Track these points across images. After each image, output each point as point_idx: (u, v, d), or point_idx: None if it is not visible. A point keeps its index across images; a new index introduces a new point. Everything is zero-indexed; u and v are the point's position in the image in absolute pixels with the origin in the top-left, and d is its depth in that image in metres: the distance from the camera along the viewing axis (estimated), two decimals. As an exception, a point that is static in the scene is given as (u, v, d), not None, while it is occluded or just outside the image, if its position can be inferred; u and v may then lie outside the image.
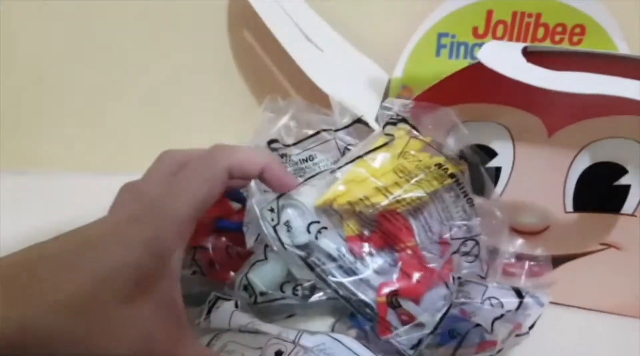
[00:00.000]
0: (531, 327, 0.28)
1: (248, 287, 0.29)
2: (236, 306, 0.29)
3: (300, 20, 0.40)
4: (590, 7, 0.37)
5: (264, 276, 0.29)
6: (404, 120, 0.29)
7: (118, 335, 0.18)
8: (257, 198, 0.28)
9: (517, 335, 0.28)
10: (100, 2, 0.44)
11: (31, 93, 0.48)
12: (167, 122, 0.50)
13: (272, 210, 0.27)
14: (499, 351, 0.27)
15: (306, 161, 0.33)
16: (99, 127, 0.50)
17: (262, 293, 0.29)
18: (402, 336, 0.27)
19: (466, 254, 0.30)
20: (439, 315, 0.27)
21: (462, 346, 0.27)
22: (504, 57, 0.27)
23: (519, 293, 0.28)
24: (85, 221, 0.44)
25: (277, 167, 0.25)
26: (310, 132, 0.33)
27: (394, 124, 0.30)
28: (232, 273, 0.31)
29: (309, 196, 0.27)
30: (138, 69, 0.47)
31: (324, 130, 0.33)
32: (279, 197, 0.27)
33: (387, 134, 0.30)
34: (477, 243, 0.30)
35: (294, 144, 0.33)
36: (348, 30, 0.44)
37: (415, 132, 0.29)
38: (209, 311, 0.29)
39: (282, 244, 0.27)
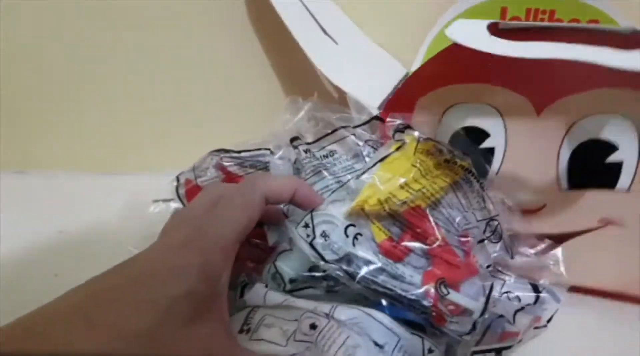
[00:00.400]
0: (549, 321, 0.30)
1: (277, 275, 0.29)
2: (266, 286, 0.30)
3: (317, 12, 0.41)
4: (604, 4, 0.37)
5: (291, 263, 0.29)
6: (409, 126, 0.33)
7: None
8: (290, 219, 0.30)
9: (536, 328, 0.29)
10: (101, 2, 0.43)
11: (31, 93, 0.48)
12: (167, 122, 0.50)
13: (306, 226, 0.29)
14: (519, 341, 0.28)
15: (327, 157, 0.35)
16: (99, 128, 0.50)
17: (291, 280, 0.29)
18: (458, 323, 0.28)
19: (492, 234, 0.32)
20: (483, 299, 0.28)
21: (486, 336, 0.28)
22: (470, 32, 0.29)
23: (535, 288, 0.30)
24: (85, 221, 0.44)
25: (306, 189, 0.28)
26: (329, 130, 0.36)
27: (402, 131, 0.33)
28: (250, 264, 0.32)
29: (337, 207, 0.29)
30: (138, 69, 0.47)
31: (343, 127, 0.35)
32: (310, 212, 0.29)
33: (398, 140, 0.33)
34: (499, 223, 0.32)
35: (313, 142, 0.35)
36: (365, 29, 0.44)
37: (421, 135, 0.33)
38: (242, 293, 0.30)
39: (323, 258, 0.28)
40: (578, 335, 0.32)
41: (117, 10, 0.44)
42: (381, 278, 0.28)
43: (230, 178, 0.37)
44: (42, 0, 0.43)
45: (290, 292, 0.29)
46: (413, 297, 0.27)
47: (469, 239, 0.31)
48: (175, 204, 0.38)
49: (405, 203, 0.29)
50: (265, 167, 0.37)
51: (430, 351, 0.27)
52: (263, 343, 0.26)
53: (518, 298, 0.30)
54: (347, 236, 0.28)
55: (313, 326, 0.26)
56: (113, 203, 0.45)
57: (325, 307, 0.28)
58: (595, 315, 0.34)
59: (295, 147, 0.35)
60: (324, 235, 0.28)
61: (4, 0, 0.43)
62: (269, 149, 0.37)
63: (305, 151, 0.35)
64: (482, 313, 0.28)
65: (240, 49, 0.46)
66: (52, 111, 0.49)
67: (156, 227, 0.26)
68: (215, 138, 0.46)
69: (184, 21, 0.45)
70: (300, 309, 0.28)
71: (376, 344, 0.26)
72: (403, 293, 0.27)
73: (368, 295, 0.28)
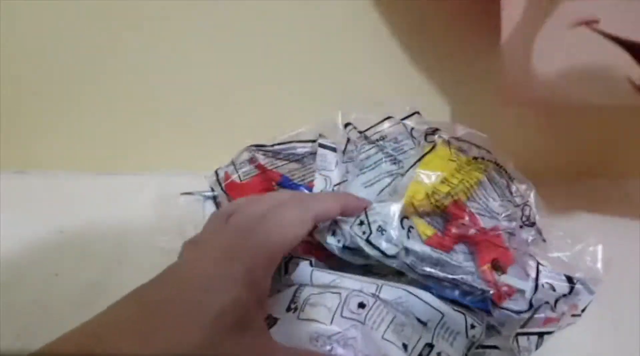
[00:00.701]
0: (583, 310, 0.31)
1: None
2: (311, 265, 0.31)
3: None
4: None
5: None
6: (437, 129, 0.37)
7: None
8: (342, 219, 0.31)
9: (573, 315, 0.31)
10: (101, 2, 0.43)
11: (31, 93, 0.48)
12: (167, 122, 0.49)
13: (361, 223, 0.30)
14: (558, 328, 0.30)
15: (379, 140, 0.38)
16: (99, 128, 0.50)
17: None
18: (516, 301, 0.30)
19: (527, 219, 0.35)
20: (532, 278, 0.31)
21: (532, 320, 0.30)
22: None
23: (570, 280, 0.32)
24: (85, 221, 0.44)
25: (352, 202, 0.30)
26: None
27: (432, 133, 0.37)
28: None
29: (386, 205, 0.31)
30: (139, 69, 0.47)
31: (388, 118, 0.39)
32: (364, 210, 0.31)
33: (430, 142, 0.36)
34: (531, 208, 0.35)
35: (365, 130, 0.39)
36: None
37: (451, 138, 0.36)
38: (287, 270, 0.32)
39: (384, 253, 0.29)
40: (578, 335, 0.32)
41: (117, 10, 0.44)
42: (438, 268, 0.30)
43: (263, 171, 0.39)
44: (42, 0, 0.43)
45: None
46: (472, 283, 0.29)
47: (509, 224, 0.33)
48: (204, 198, 0.40)
49: (449, 194, 0.32)
50: (298, 159, 0.39)
51: (472, 327, 0.29)
52: (312, 323, 0.27)
53: (553, 288, 0.31)
54: (402, 227, 0.30)
55: (362, 305, 0.27)
56: (113, 203, 0.46)
57: (371, 287, 0.29)
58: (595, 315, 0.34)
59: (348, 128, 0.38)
60: (380, 229, 0.30)
61: (4, 0, 0.43)
62: (301, 141, 0.40)
63: (360, 133, 0.38)
64: (534, 292, 0.30)
65: (241, 50, 0.46)
66: (52, 111, 0.49)
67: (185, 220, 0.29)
68: (215, 138, 0.46)
69: (184, 21, 0.45)
70: (347, 289, 0.29)
71: (420, 321, 0.28)
72: (462, 280, 0.30)
73: (425, 282, 0.30)
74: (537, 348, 0.29)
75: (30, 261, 0.38)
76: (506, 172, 0.37)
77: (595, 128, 0.48)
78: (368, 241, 0.29)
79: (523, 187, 0.37)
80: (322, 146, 0.38)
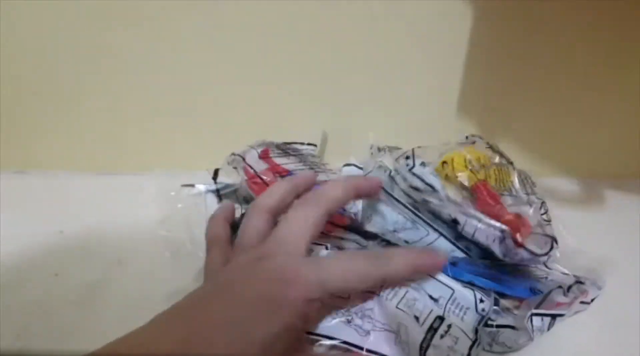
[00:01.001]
0: (592, 300, 0.31)
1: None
2: (326, 249, 0.32)
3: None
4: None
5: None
6: (479, 136, 0.43)
7: None
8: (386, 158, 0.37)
9: (582, 302, 0.31)
10: (101, 2, 0.43)
11: (31, 93, 0.48)
12: (167, 122, 0.50)
13: (407, 157, 0.36)
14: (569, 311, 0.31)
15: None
16: (99, 128, 0.50)
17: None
18: (537, 244, 0.32)
19: (545, 213, 0.36)
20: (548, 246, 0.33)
21: (545, 301, 0.31)
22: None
23: (579, 280, 0.33)
24: (85, 220, 0.44)
25: (362, 184, 0.30)
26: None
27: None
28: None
29: (427, 150, 0.38)
30: (139, 69, 0.47)
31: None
32: (412, 149, 0.37)
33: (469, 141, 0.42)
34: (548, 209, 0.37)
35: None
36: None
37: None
38: None
39: (424, 181, 0.34)
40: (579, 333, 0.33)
41: (118, 11, 0.44)
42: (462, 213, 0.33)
43: (273, 167, 0.39)
44: (42, 0, 0.43)
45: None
46: (493, 224, 0.33)
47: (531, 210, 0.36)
48: (204, 188, 0.41)
49: (484, 166, 0.37)
50: (304, 160, 0.41)
51: (481, 301, 0.30)
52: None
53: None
54: (443, 167, 0.38)
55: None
56: (113, 203, 0.46)
57: None
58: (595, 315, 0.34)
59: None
60: (423, 164, 0.35)
61: (4, 0, 0.43)
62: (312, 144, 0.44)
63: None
64: (550, 250, 0.33)
65: (241, 50, 0.46)
66: (52, 111, 0.49)
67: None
68: (215, 138, 0.46)
69: (184, 21, 0.45)
70: None
71: (431, 297, 0.29)
72: (484, 220, 0.33)
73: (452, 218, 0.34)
74: (549, 328, 0.29)
75: (30, 261, 0.38)
76: (530, 180, 0.40)
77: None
78: (411, 171, 0.34)
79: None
80: (347, 165, 0.41)
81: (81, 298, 0.35)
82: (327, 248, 0.32)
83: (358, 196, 0.30)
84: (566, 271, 0.34)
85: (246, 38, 0.46)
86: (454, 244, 0.35)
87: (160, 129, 0.50)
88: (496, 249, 0.33)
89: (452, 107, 0.48)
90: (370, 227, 0.36)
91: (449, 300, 0.30)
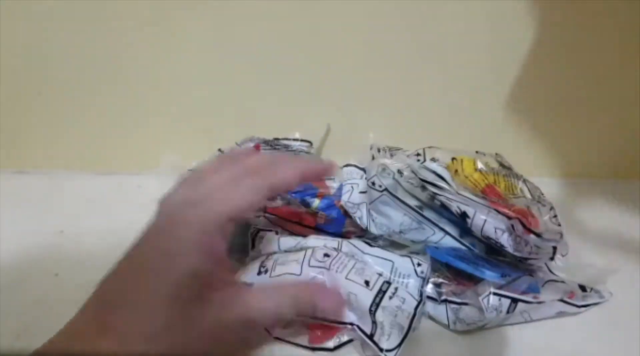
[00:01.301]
0: (585, 306, 0.33)
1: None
2: (276, 234, 0.34)
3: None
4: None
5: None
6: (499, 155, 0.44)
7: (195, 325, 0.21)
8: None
9: (566, 302, 0.32)
10: (101, 2, 0.43)
11: (31, 93, 0.48)
12: (167, 122, 0.50)
13: (418, 154, 0.39)
14: (539, 302, 0.32)
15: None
16: (99, 128, 0.50)
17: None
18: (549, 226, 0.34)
19: (555, 216, 0.37)
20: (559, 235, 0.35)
21: (511, 285, 0.32)
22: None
23: (582, 288, 0.34)
24: (85, 221, 0.44)
25: (313, 167, 0.27)
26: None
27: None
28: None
29: (438, 150, 0.40)
30: (139, 69, 0.47)
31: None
32: (423, 148, 0.40)
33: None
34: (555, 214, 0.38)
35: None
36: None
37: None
38: (253, 244, 0.35)
39: (435, 173, 0.36)
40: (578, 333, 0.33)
41: (118, 11, 0.44)
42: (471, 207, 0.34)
43: None
44: (42, 0, 0.43)
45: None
46: (502, 210, 0.34)
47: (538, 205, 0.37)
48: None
49: (493, 169, 0.39)
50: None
51: (419, 264, 0.33)
52: (284, 277, 0.30)
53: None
54: (454, 162, 0.39)
55: (326, 255, 0.32)
56: (113, 202, 0.46)
57: (333, 243, 0.34)
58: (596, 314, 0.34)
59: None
60: (433, 160, 0.38)
61: (4, 0, 0.43)
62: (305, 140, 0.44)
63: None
64: (559, 241, 0.34)
65: (241, 51, 0.46)
66: (52, 111, 0.49)
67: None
68: (215, 138, 0.46)
69: (185, 22, 0.45)
70: (311, 247, 0.33)
71: (376, 273, 0.32)
72: (501, 210, 0.34)
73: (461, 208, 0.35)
74: (508, 312, 0.31)
75: (30, 261, 0.38)
76: (539, 190, 0.40)
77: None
78: (423, 165, 0.37)
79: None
80: (347, 165, 0.41)
81: (81, 298, 0.35)
82: (277, 233, 0.34)
83: (306, 180, 0.27)
84: (568, 279, 0.34)
85: (247, 38, 0.46)
86: (458, 241, 0.35)
87: (160, 129, 0.50)
88: (505, 241, 0.33)
89: (452, 108, 0.49)
90: (375, 229, 0.36)
91: (391, 271, 0.33)
